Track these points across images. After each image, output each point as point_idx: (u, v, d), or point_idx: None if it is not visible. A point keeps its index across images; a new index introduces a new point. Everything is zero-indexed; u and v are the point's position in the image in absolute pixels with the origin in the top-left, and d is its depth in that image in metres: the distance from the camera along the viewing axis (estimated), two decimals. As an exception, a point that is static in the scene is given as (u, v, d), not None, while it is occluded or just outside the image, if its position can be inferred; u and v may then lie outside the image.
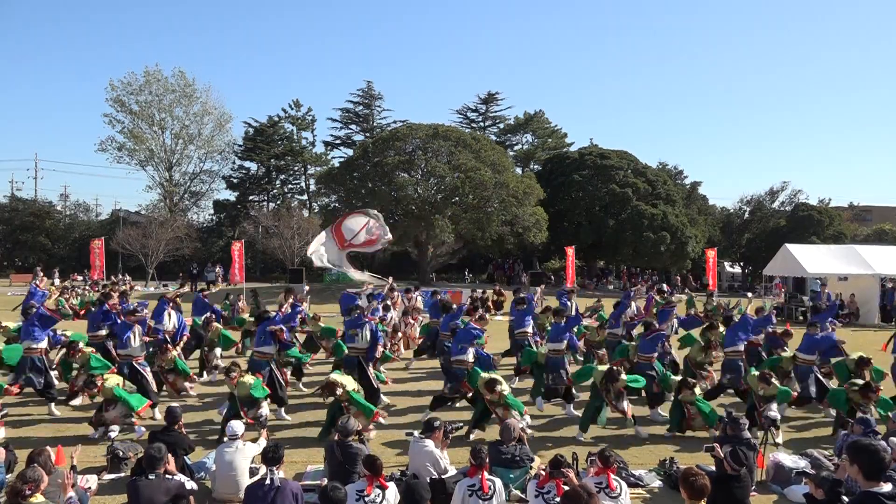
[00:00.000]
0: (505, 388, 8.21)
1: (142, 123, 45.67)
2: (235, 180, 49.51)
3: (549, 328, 11.13)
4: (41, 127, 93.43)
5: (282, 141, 49.15)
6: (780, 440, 8.35)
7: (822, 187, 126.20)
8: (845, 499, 5.10)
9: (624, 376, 8.57)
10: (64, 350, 10.47)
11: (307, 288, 17.42)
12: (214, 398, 10.35)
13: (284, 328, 9.79)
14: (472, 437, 8.29)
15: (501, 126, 52.65)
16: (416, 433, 6.81)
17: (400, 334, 14.64)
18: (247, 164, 49.49)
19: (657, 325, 10.35)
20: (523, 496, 6.12)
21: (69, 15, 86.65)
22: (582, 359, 12.35)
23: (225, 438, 6.84)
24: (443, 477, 6.24)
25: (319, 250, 13.15)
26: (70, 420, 9.08)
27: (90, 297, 21.43)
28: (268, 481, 5.32)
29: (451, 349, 9.59)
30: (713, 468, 6.23)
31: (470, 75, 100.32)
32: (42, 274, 34.18)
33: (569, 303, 13.99)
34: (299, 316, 11.61)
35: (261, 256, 41.94)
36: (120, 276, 35.32)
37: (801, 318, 23.49)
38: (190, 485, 5.91)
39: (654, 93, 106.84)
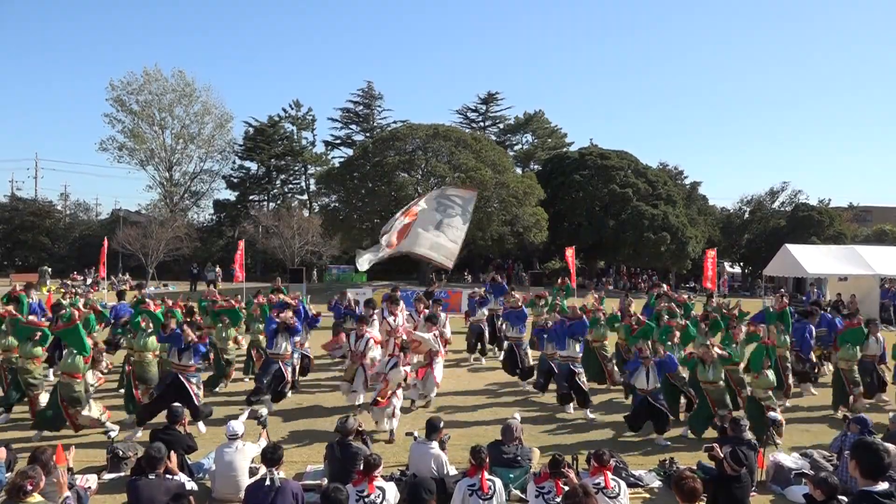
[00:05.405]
0: None
1: (142, 123, 45.69)
2: (235, 180, 49.48)
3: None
4: (41, 126, 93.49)
5: (282, 141, 49.12)
6: (779, 441, 8.34)
7: (822, 187, 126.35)
8: (843, 498, 5.08)
9: None
10: None
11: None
12: (217, 396, 10.35)
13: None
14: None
15: (501, 126, 52.62)
16: (416, 432, 6.81)
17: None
18: (247, 163, 49.47)
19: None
20: (523, 496, 6.13)
21: (69, 14, 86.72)
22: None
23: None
24: (443, 477, 6.23)
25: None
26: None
27: (90, 298, 21.26)
28: (268, 482, 5.32)
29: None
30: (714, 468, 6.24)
31: (470, 75, 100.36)
32: (50, 274, 34.17)
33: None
34: None
35: (261, 256, 41.90)
36: (121, 276, 35.36)
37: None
38: (190, 485, 5.92)
39: (654, 93, 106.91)
